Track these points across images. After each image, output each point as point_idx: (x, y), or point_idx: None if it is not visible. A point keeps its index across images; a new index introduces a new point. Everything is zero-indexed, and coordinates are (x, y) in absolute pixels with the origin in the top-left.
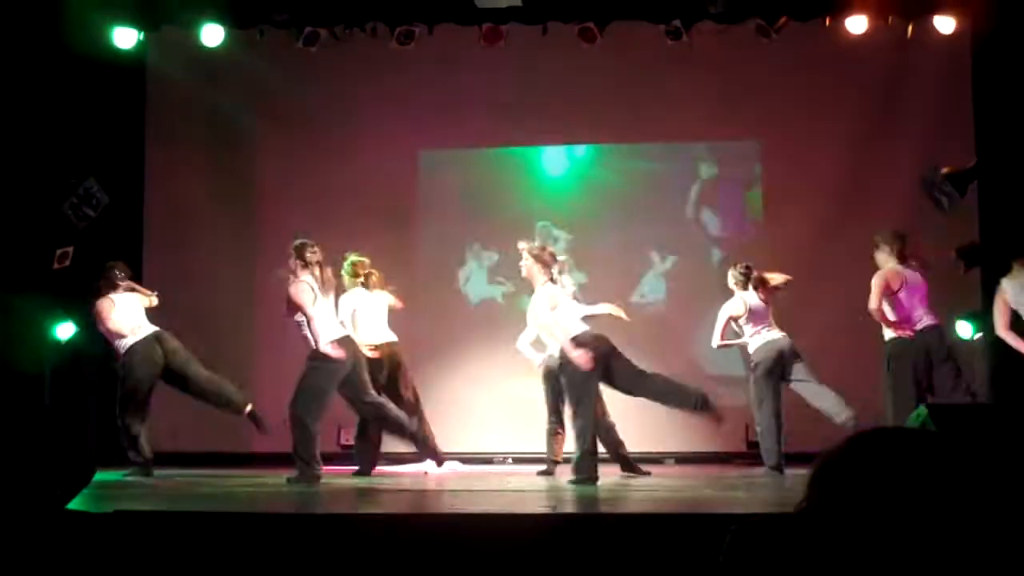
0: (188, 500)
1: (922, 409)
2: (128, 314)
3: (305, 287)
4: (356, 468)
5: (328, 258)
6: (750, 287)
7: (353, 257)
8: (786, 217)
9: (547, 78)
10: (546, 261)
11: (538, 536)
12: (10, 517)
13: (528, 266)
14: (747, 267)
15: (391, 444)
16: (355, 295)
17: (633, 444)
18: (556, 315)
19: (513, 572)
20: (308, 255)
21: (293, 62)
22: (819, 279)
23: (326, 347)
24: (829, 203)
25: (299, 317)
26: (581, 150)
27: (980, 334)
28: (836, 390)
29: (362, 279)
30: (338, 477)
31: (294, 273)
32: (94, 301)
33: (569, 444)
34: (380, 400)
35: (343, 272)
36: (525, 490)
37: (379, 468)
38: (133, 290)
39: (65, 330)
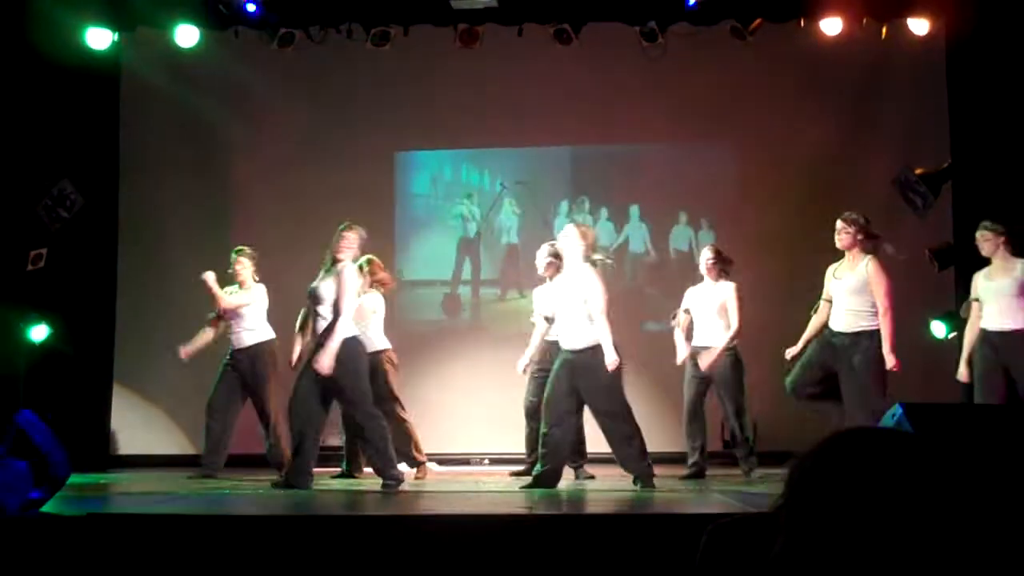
0: (160, 503)
1: (897, 408)
2: None
3: None
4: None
5: (299, 258)
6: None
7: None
8: (760, 218)
9: (523, 80)
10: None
11: (515, 537)
12: None
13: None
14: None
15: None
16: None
17: (602, 444)
18: None
19: (490, 573)
20: None
21: (268, 63)
22: (794, 278)
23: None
24: (803, 204)
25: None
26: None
27: (954, 333)
28: None
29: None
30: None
31: None
32: None
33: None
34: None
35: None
36: (502, 491)
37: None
38: None
39: (39, 332)
